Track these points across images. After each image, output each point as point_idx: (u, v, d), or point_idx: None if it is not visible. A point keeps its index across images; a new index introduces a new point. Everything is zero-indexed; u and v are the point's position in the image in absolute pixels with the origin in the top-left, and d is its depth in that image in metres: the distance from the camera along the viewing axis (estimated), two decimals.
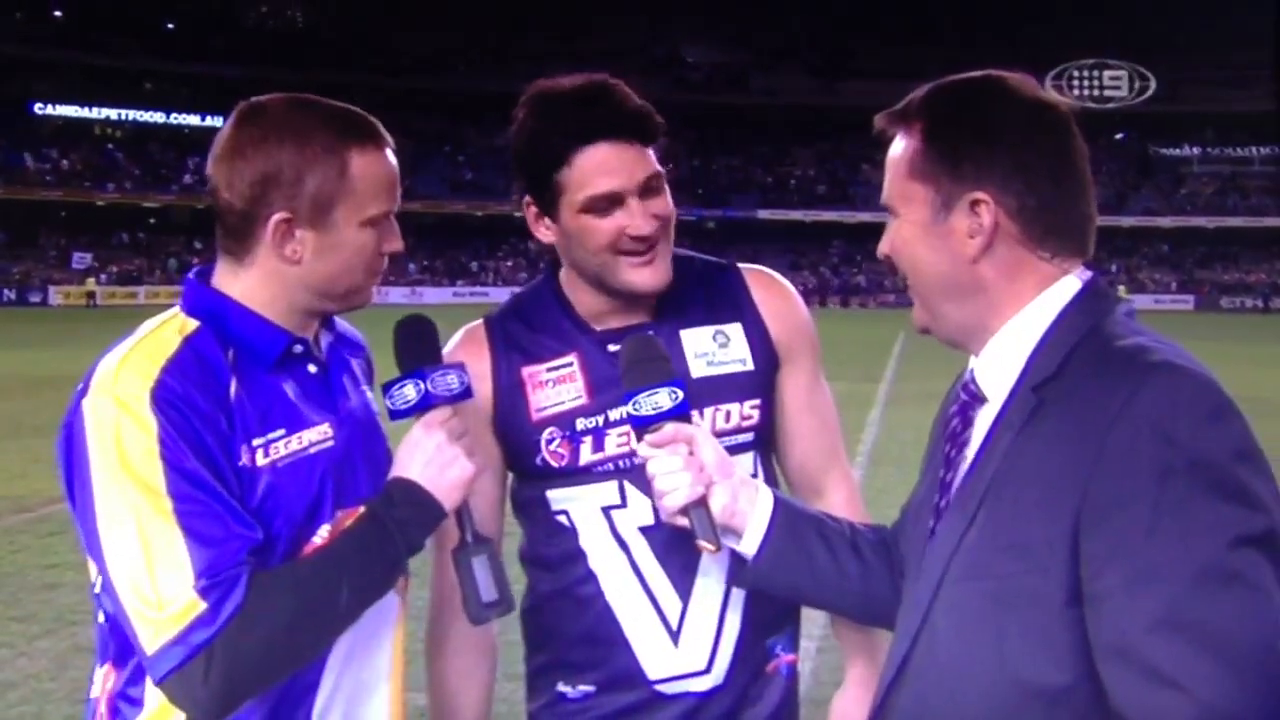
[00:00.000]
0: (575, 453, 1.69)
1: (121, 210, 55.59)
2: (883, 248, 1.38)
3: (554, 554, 1.74)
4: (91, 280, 48.81)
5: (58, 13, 57.92)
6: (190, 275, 1.52)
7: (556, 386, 1.70)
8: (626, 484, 1.68)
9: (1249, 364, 18.13)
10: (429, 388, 1.46)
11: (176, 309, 1.47)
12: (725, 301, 1.75)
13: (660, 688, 1.69)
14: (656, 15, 64.91)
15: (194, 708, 1.32)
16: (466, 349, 1.73)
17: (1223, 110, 63.17)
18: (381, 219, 1.48)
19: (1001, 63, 1.51)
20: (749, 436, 1.74)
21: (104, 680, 1.45)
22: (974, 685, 1.23)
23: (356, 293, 1.50)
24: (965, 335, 1.35)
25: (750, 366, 1.72)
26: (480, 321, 1.78)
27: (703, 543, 1.45)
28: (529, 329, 1.74)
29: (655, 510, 1.63)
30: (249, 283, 1.47)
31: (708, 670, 1.69)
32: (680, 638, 1.69)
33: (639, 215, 1.59)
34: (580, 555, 1.70)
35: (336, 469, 1.48)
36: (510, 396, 1.70)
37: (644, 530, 1.68)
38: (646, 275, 1.63)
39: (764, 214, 63.43)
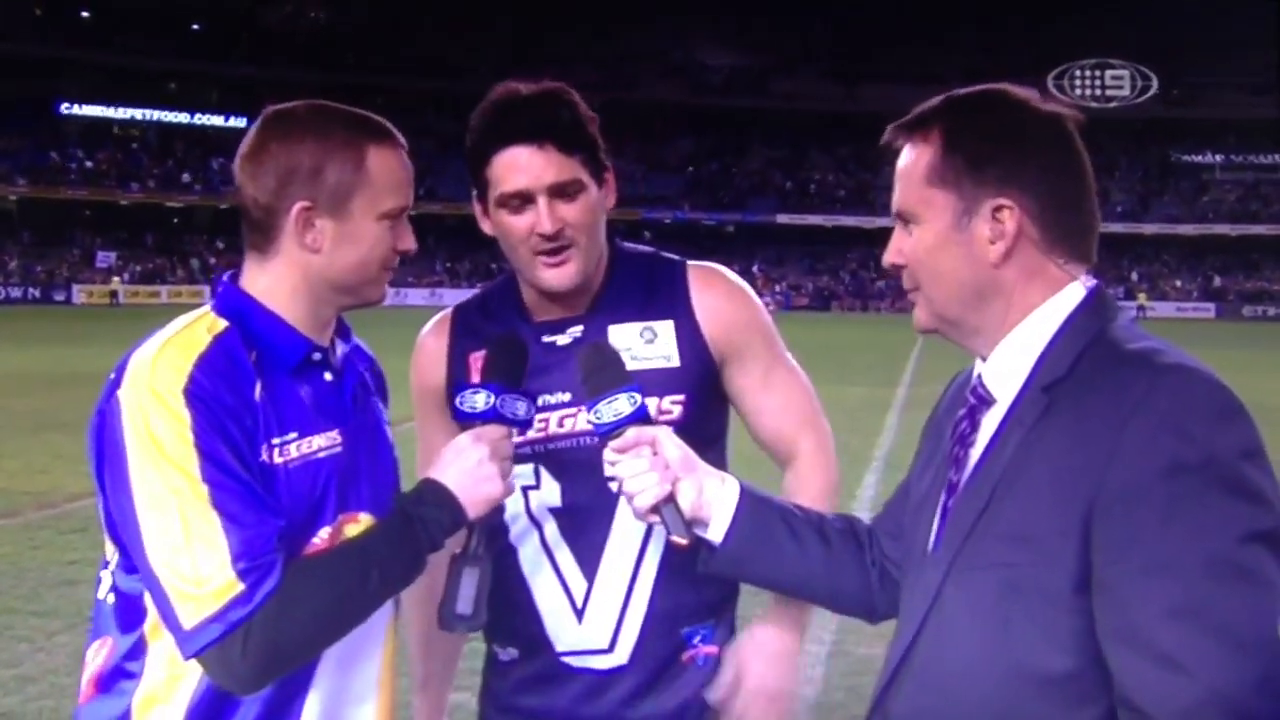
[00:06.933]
0: None
1: (145, 210, 56.04)
2: (892, 257, 1.39)
3: (488, 522, 1.81)
4: (115, 279, 49.24)
5: (84, 13, 58.45)
6: (223, 277, 1.58)
7: None
8: (542, 467, 1.78)
9: (1271, 372, 17.98)
10: (498, 404, 1.54)
11: (208, 308, 1.53)
12: (662, 299, 1.82)
13: (566, 659, 1.80)
14: (676, 19, 64.92)
15: (232, 680, 1.39)
16: (433, 334, 1.90)
17: (1246, 117, 62.67)
18: (397, 214, 1.54)
19: (1016, 63, 1.52)
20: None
21: (96, 654, 1.50)
22: (979, 672, 1.26)
23: (371, 285, 1.56)
24: (976, 339, 1.37)
25: (675, 363, 1.79)
26: (451, 309, 1.94)
27: (675, 538, 1.50)
28: (484, 317, 1.88)
29: (563, 492, 1.77)
30: (273, 276, 1.53)
31: (610, 649, 1.79)
32: (585, 615, 1.79)
33: (544, 214, 1.69)
34: (504, 527, 1.81)
35: (341, 475, 1.53)
36: (458, 375, 1.83)
37: (552, 510, 1.79)
38: (553, 275, 1.74)
39: (783, 218, 63.23)
